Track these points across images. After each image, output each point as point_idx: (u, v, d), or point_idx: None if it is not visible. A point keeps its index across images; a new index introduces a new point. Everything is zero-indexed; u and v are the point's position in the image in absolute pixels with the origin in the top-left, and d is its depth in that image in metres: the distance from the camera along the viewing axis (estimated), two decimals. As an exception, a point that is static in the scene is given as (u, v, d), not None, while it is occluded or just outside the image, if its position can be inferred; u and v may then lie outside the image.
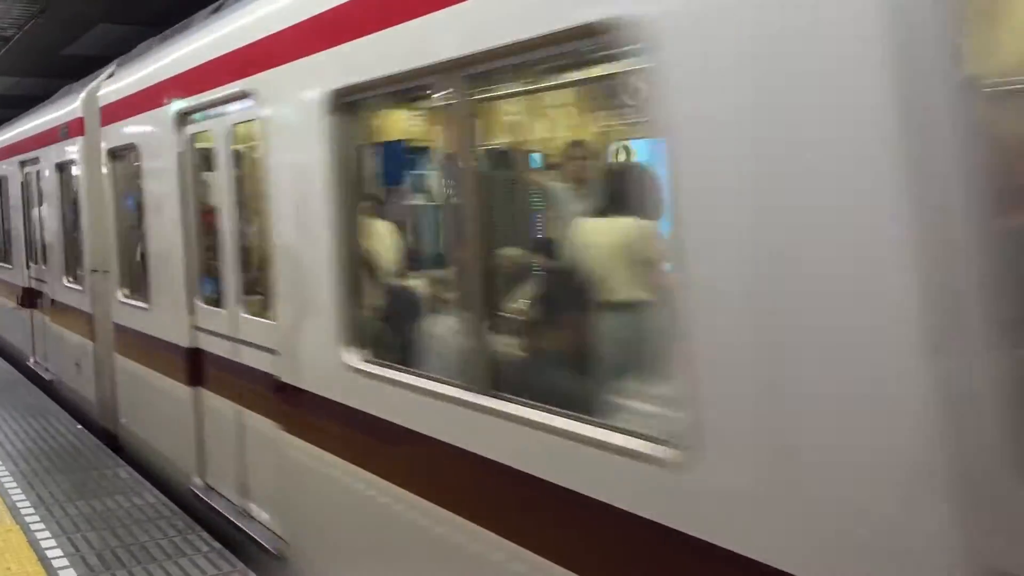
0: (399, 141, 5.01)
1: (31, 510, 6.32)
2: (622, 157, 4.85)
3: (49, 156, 10.22)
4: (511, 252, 3.96)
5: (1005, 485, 1.78)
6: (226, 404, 5.86)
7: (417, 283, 4.73)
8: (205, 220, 6.23)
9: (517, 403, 3.21)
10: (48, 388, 10.63)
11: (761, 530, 2.29)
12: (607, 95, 3.23)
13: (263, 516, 5.45)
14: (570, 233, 4.19)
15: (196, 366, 6.30)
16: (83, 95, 9.03)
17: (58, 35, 11.29)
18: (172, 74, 6.53)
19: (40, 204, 10.93)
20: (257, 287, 5.52)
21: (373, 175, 4.93)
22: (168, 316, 6.73)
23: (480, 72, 3.29)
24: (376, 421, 4.03)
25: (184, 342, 6.43)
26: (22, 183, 11.80)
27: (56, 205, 10.10)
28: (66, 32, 11.13)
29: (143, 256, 7.34)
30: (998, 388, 1.79)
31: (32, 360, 11.72)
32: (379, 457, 4.09)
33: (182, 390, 6.48)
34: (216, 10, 6.30)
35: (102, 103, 8.24)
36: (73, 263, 9.70)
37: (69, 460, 7.64)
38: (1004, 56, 1.96)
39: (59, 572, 5.25)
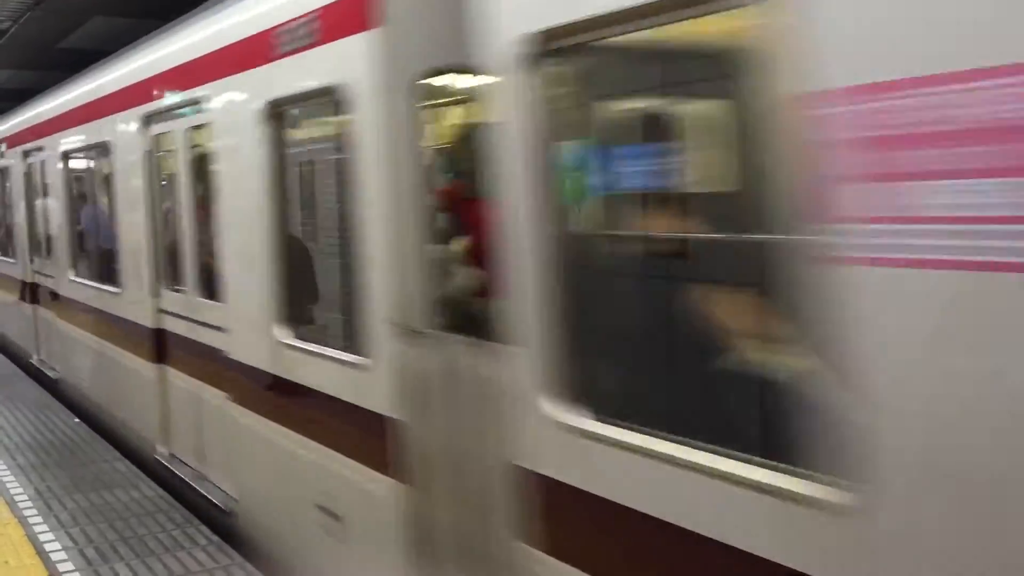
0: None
1: (29, 504, 6.35)
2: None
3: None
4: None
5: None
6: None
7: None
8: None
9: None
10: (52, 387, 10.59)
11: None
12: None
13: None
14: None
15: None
16: None
17: (54, 28, 11.24)
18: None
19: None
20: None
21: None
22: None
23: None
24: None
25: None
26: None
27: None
28: (62, 25, 11.08)
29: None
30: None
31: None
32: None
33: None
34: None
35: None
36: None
37: (67, 453, 7.67)
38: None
39: (58, 565, 5.28)
